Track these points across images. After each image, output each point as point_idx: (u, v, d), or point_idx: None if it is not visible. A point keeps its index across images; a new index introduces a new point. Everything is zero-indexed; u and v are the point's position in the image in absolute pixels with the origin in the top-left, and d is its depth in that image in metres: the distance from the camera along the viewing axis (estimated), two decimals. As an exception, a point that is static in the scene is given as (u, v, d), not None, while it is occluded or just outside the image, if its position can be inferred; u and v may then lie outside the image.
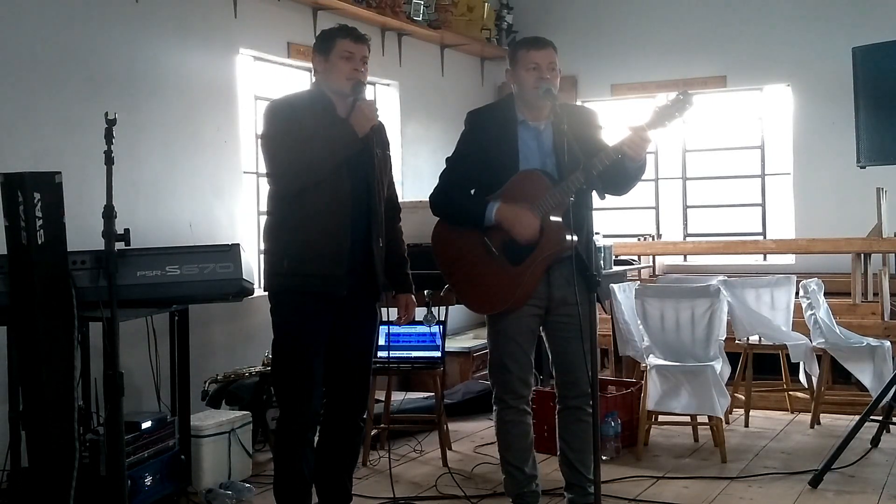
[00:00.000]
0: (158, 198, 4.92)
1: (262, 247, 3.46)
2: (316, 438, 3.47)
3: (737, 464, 4.57)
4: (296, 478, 3.37)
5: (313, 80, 3.55)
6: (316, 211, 3.25)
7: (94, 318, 3.37)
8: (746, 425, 5.35)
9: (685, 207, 7.84)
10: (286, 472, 3.38)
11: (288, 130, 3.26)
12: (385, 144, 3.54)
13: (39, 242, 3.25)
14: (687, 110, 3.32)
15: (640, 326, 4.98)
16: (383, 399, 4.99)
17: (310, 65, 5.76)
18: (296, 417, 3.35)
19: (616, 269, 5.85)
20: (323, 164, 3.23)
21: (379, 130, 3.48)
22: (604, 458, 4.43)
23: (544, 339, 3.68)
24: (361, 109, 3.30)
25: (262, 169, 3.42)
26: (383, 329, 4.72)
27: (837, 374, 5.82)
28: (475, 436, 5.22)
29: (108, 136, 3.13)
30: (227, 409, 4.60)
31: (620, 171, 3.40)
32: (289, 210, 3.30)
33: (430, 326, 4.56)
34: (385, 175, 3.48)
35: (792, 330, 5.43)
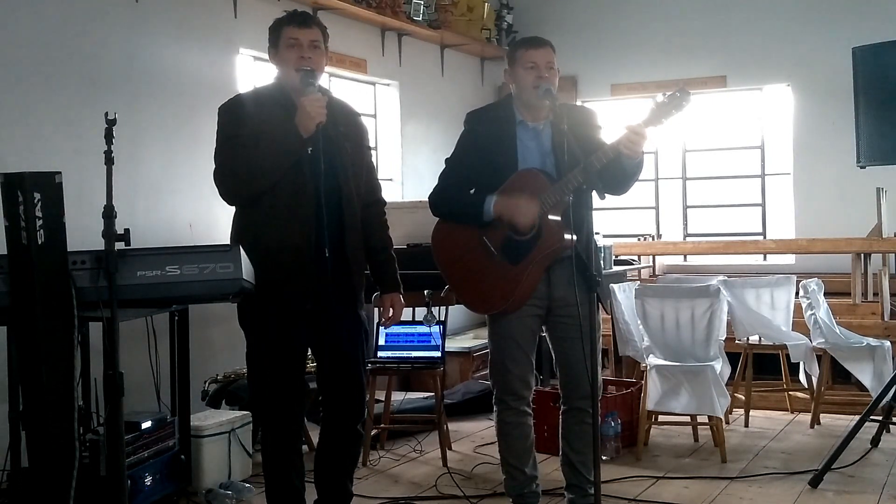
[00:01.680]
0: (158, 198, 4.92)
1: None
2: (313, 440, 3.42)
3: (737, 464, 4.57)
4: (286, 490, 3.32)
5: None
6: (276, 217, 3.13)
7: (94, 318, 3.35)
8: (746, 425, 5.36)
9: (685, 207, 7.85)
10: (276, 486, 3.32)
11: (237, 135, 3.12)
12: (358, 135, 3.35)
13: (39, 242, 3.24)
14: (684, 107, 3.30)
15: (640, 326, 4.98)
16: (383, 399, 4.99)
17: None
18: (278, 432, 3.30)
19: (616, 269, 5.85)
20: (266, 173, 3.09)
21: (348, 120, 3.31)
22: (604, 458, 4.43)
23: (547, 339, 3.68)
24: (304, 107, 3.05)
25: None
26: (383, 329, 4.72)
27: (837, 374, 5.83)
28: (475, 436, 5.22)
29: (108, 136, 3.12)
30: (227, 409, 4.61)
31: (618, 169, 3.39)
32: (250, 216, 3.21)
33: (430, 326, 4.56)
34: (360, 169, 3.32)
35: (792, 330, 5.43)
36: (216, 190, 3.06)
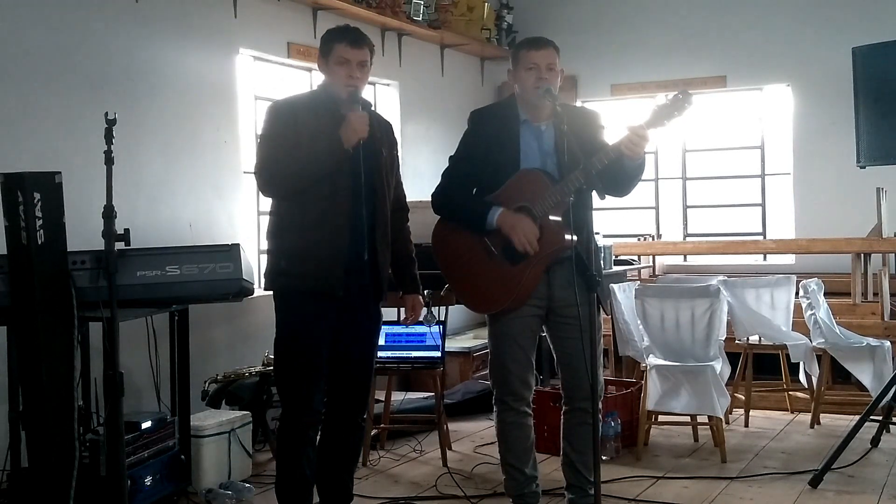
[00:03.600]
0: (158, 198, 4.92)
1: (266, 246, 3.48)
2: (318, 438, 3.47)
3: (737, 464, 4.57)
4: (298, 477, 3.37)
5: (316, 80, 3.53)
6: (315, 212, 3.26)
7: (94, 318, 3.37)
8: (746, 425, 5.36)
9: (685, 207, 7.84)
10: (288, 472, 3.38)
11: (283, 135, 3.26)
12: (392, 144, 3.55)
13: (39, 242, 3.25)
14: (686, 110, 3.32)
15: (640, 326, 4.98)
16: (383, 399, 4.99)
17: (309, 65, 5.81)
18: (298, 416, 3.35)
19: (616, 269, 5.85)
20: (306, 173, 3.24)
21: (385, 130, 3.50)
22: (604, 458, 4.43)
23: (548, 340, 3.68)
24: (350, 122, 3.24)
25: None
26: (383, 329, 4.72)
27: (837, 374, 5.82)
28: (475, 436, 5.22)
29: (108, 136, 3.13)
30: (227, 409, 4.61)
31: (620, 171, 3.40)
32: (288, 211, 3.32)
33: (430, 326, 4.56)
34: (392, 175, 3.50)
35: (792, 330, 5.43)
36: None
